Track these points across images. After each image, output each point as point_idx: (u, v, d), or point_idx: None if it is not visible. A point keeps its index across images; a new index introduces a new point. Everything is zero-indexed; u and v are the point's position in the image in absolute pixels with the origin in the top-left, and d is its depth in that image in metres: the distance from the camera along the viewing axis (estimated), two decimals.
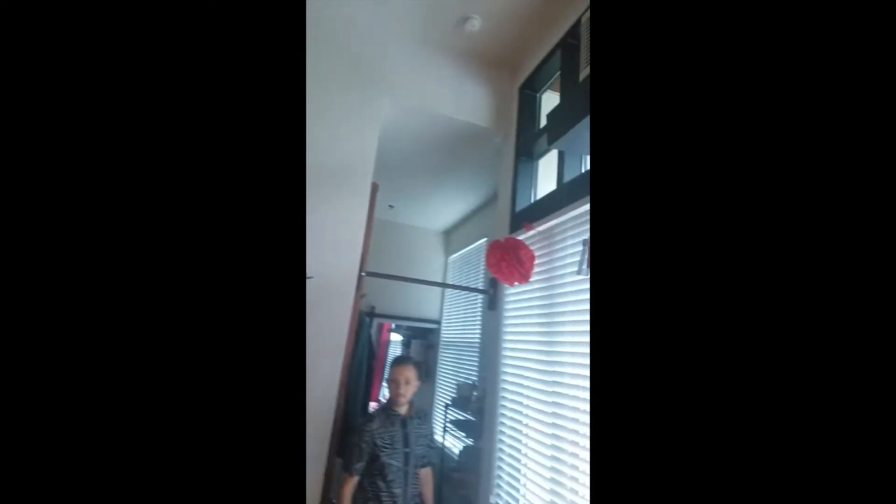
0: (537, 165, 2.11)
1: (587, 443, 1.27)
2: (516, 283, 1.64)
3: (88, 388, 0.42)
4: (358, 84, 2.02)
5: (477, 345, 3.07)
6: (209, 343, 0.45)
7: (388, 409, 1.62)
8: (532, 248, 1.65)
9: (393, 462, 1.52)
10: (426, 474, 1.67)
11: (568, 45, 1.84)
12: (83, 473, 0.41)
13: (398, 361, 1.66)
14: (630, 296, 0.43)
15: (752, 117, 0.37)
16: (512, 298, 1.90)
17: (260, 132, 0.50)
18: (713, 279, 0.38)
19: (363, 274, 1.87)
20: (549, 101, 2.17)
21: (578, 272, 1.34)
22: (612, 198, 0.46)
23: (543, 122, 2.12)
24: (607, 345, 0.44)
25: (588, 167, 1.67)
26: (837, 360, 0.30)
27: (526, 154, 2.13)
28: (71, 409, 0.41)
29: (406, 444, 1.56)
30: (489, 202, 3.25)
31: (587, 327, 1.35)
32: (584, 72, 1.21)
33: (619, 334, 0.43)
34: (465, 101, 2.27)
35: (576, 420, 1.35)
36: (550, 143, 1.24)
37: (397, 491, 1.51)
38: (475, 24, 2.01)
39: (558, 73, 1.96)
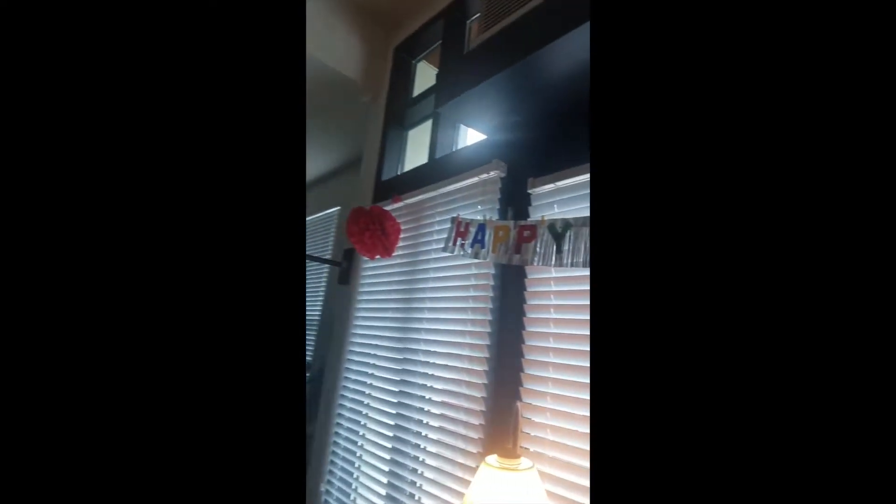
0: (407, 136, 2.01)
1: (431, 420, 1.27)
2: (377, 257, 1.51)
3: (79, 376, 0.41)
4: None
5: (316, 322, 2.81)
6: (207, 342, 0.45)
7: None
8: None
9: None
10: None
11: (454, 17, 1.78)
12: (79, 470, 0.40)
13: None
14: (632, 291, 0.39)
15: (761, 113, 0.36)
16: (368, 273, 1.76)
17: (259, 128, 0.48)
18: (724, 274, 0.36)
19: None
20: (424, 71, 2.08)
21: (444, 249, 1.31)
22: (615, 195, 0.41)
23: (417, 91, 2.02)
24: (608, 341, 0.40)
25: (461, 144, 1.66)
26: (846, 357, 0.31)
27: (397, 122, 1.99)
28: (64, 400, 0.40)
29: None
30: (347, 167, 2.97)
31: (446, 304, 1.35)
32: (475, 42, 1.15)
33: (620, 331, 0.40)
34: (333, 45, 1.95)
35: (422, 398, 1.33)
36: (437, 106, 1.15)
37: None
38: None
39: (439, 43, 1.89)
